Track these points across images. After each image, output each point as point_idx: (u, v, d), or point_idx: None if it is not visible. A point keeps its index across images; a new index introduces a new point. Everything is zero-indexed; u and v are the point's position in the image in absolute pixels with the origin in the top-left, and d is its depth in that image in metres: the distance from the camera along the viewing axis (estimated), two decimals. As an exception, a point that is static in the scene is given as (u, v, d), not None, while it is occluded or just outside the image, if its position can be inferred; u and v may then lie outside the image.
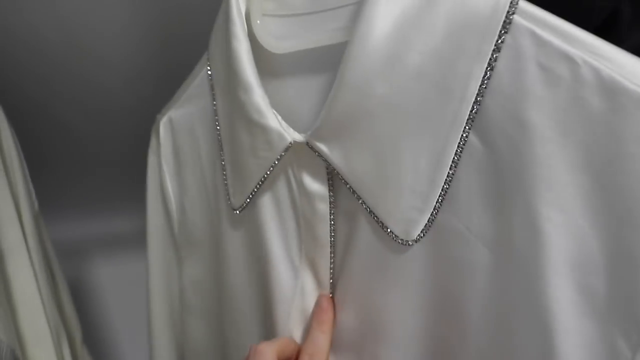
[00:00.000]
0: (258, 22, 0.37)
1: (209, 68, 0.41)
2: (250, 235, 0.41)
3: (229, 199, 0.40)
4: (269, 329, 0.41)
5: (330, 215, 0.35)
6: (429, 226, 0.31)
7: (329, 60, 0.34)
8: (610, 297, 0.25)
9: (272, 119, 0.34)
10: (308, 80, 0.37)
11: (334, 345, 0.39)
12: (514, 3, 0.26)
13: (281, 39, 0.37)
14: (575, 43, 0.25)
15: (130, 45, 0.70)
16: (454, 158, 0.29)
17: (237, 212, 0.40)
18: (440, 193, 0.30)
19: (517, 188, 0.27)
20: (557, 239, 0.26)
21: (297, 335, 0.40)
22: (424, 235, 0.31)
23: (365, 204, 0.32)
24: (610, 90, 0.24)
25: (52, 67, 0.69)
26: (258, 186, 0.37)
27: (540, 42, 0.26)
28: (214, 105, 0.40)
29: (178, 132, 0.46)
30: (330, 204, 0.35)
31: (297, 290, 0.39)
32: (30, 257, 0.54)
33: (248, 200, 0.38)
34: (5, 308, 0.49)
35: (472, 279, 0.30)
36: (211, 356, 0.50)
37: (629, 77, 0.24)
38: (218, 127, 0.40)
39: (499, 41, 0.27)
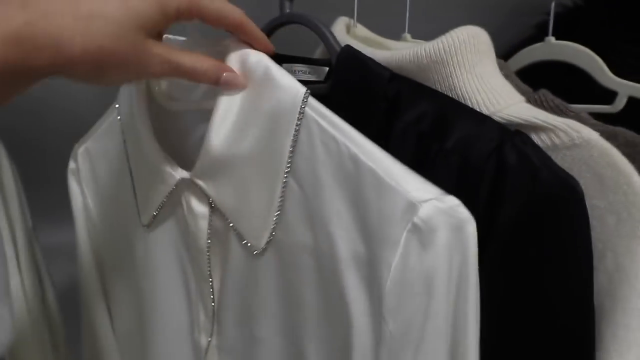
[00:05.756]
0: (157, 88, 0.50)
1: (119, 117, 0.54)
2: (158, 243, 0.54)
3: (139, 217, 0.54)
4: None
5: (208, 231, 0.48)
6: (271, 239, 0.45)
7: (205, 117, 0.48)
8: (374, 279, 0.39)
9: (164, 163, 0.47)
10: (193, 128, 0.51)
11: (221, 322, 0.52)
12: (304, 101, 0.41)
13: (172, 100, 0.50)
14: (338, 129, 0.40)
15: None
16: (280, 195, 0.43)
17: (146, 227, 0.53)
18: (274, 217, 0.44)
19: (319, 215, 0.41)
20: (342, 245, 0.40)
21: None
22: (267, 245, 0.45)
23: (231, 223, 0.46)
24: (355, 160, 0.39)
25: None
26: (158, 209, 0.51)
27: (320, 127, 0.40)
28: (125, 144, 0.53)
29: (95, 160, 0.58)
30: (209, 223, 0.48)
31: (187, 278, 0.53)
32: (20, 273, 0.62)
33: (152, 219, 0.52)
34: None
35: (304, 276, 0.44)
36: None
37: (364, 153, 0.38)
38: (129, 163, 0.53)
39: (298, 123, 0.41)
